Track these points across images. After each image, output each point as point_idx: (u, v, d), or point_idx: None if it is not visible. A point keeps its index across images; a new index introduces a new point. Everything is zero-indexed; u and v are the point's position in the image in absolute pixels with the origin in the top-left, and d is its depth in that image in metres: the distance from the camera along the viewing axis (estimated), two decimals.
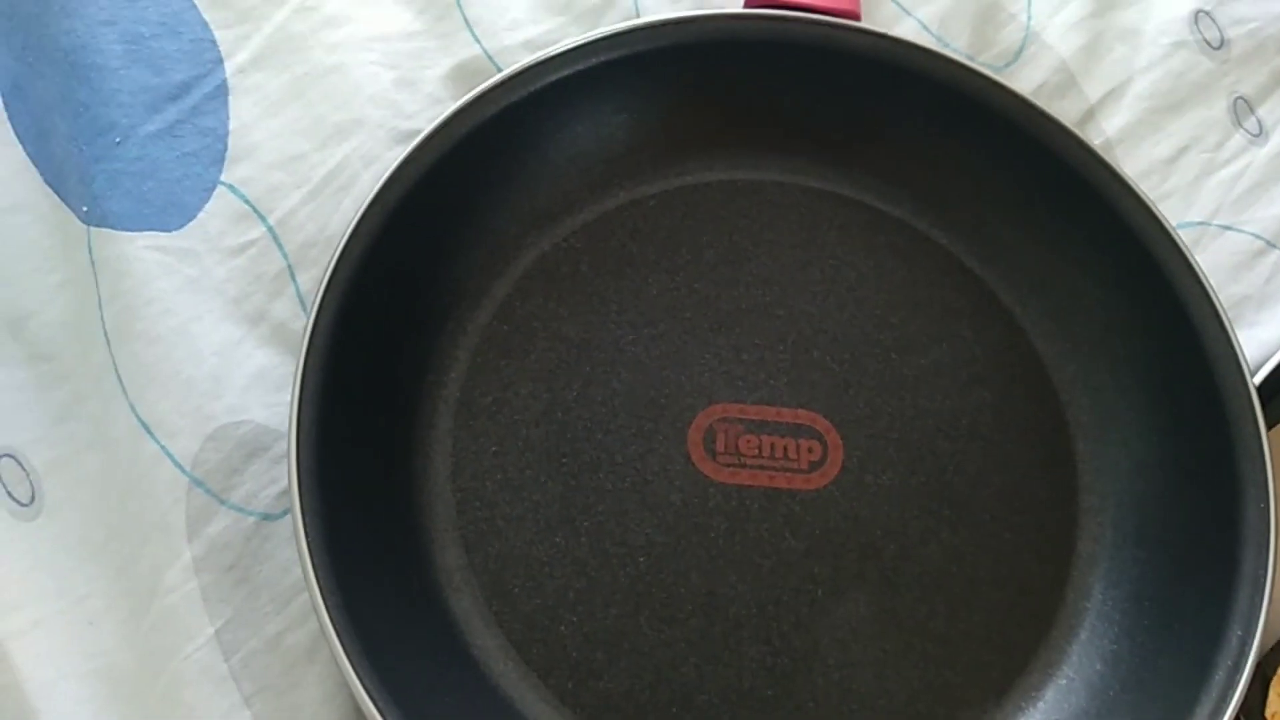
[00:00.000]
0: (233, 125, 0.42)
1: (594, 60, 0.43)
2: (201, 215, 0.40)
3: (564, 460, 0.40)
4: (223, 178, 0.41)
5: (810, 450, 0.41)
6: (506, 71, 0.41)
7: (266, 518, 0.38)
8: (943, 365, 0.43)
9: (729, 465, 0.40)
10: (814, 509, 0.40)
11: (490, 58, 0.44)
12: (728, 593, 0.39)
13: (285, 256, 0.41)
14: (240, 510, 0.37)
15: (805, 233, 0.44)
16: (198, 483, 0.37)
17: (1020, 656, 0.39)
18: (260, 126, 0.42)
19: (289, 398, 0.36)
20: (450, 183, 0.41)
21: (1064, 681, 0.38)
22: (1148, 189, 0.42)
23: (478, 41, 0.45)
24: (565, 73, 0.42)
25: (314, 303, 0.37)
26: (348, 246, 0.38)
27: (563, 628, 0.38)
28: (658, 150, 0.45)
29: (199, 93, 0.42)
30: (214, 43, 0.43)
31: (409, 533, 0.38)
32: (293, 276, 0.41)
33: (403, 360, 0.40)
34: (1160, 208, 0.41)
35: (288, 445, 0.35)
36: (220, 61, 0.43)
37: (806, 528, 0.40)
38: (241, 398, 0.38)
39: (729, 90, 0.45)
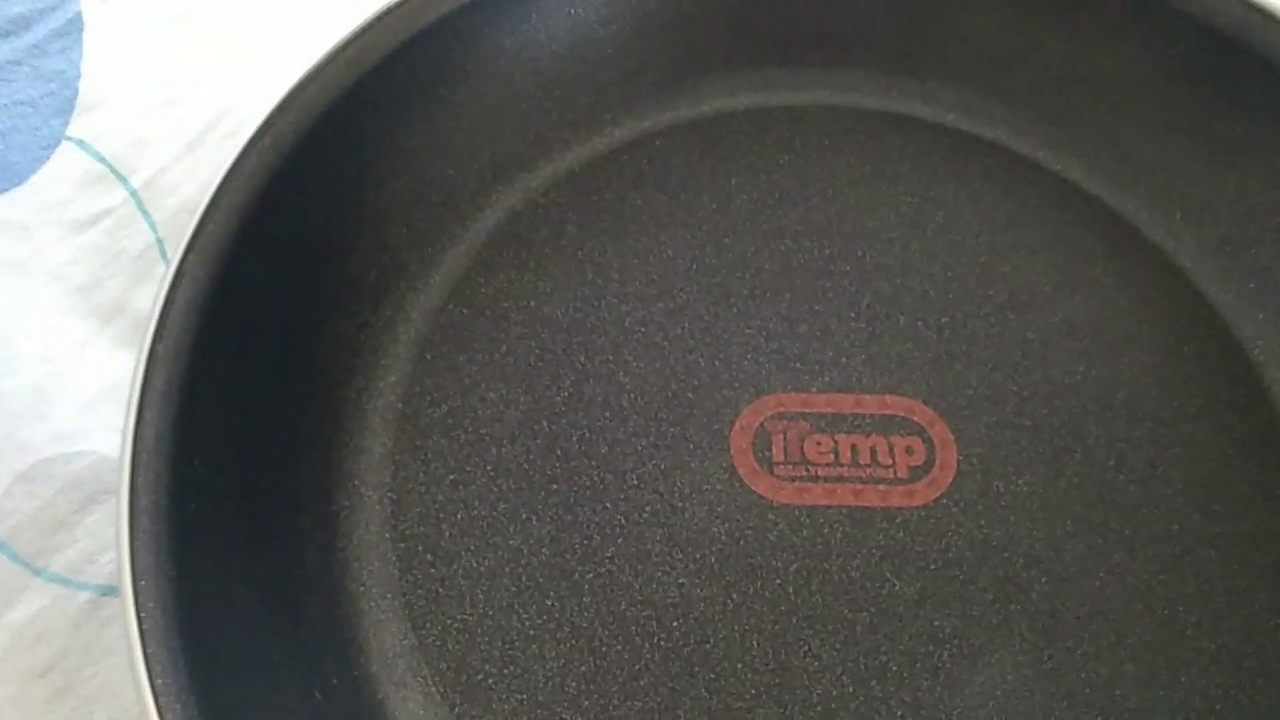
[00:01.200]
0: (86, 67, 0.31)
1: None
2: (36, 178, 0.29)
3: (554, 488, 0.28)
4: (70, 131, 0.30)
5: (910, 451, 0.28)
6: None
7: (108, 593, 0.25)
8: (1079, 324, 0.30)
9: (794, 479, 0.28)
10: (923, 534, 0.27)
11: None
12: (808, 666, 0.26)
13: (154, 228, 0.30)
14: (65, 583, 0.25)
15: (869, 166, 0.33)
16: None
17: None
18: (120, 68, 0.31)
19: None
20: (370, 120, 0.30)
21: None
22: None
23: None
24: None
25: (159, 293, 0.25)
26: (212, 212, 0.26)
27: None
28: (661, 72, 0.34)
29: (44, 28, 0.31)
30: None
31: (326, 606, 0.26)
32: (164, 254, 0.29)
33: (312, 363, 0.28)
34: None
35: (117, 495, 0.22)
36: None
37: (915, 562, 0.27)
38: (79, 420, 0.26)
39: None
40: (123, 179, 0.30)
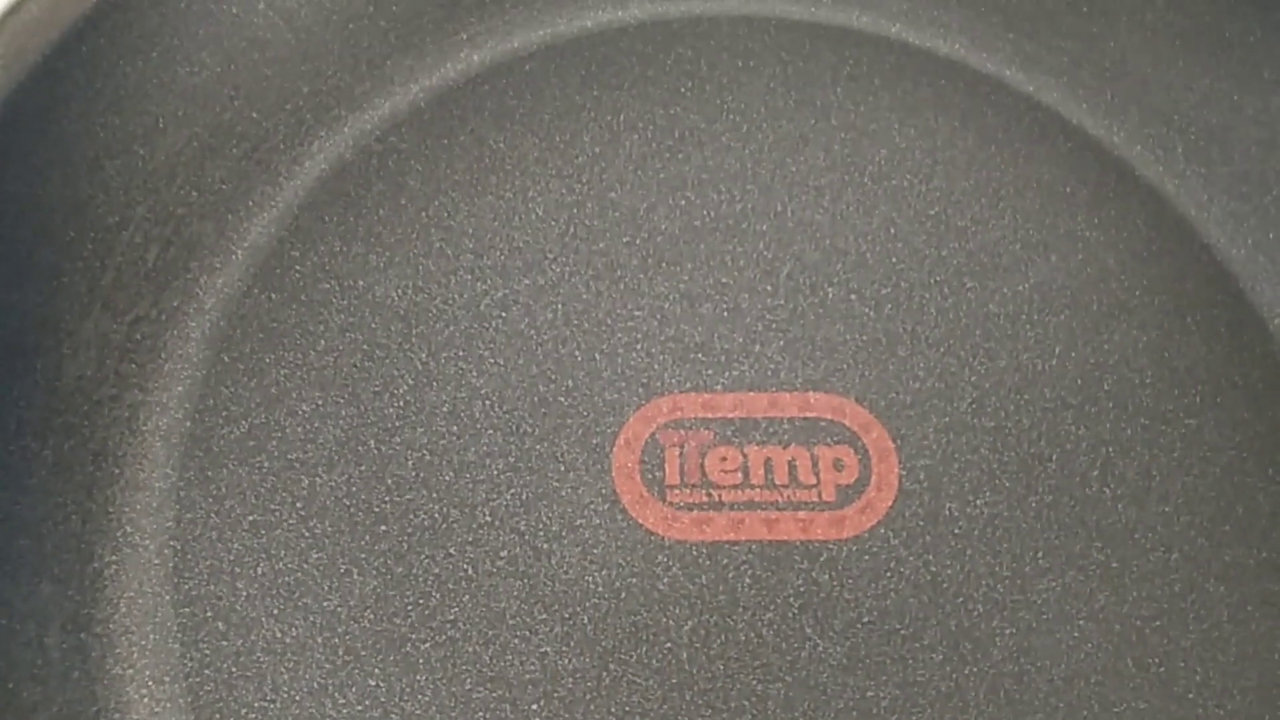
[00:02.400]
0: None
1: None
2: None
3: (383, 529, 0.22)
4: None
5: (839, 466, 0.23)
6: None
7: None
8: (1056, 291, 0.25)
9: (691, 507, 0.23)
10: (855, 576, 0.22)
11: None
12: None
13: None
14: None
15: (794, 93, 0.27)
16: None
17: None
18: None
19: None
20: (133, 45, 0.24)
21: None
22: None
23: None
24: None
25: None
26: None
27: None
28: None
29: None
30: None
31: (74, 706, 0.20)
32: None
33: (58, 373, 0.22)
34: None
35: None
36: None
37: (844, 614, 0.22)
38: None
39: None
40: None
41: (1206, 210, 0.26)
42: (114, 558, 0.22)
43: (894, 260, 0.25)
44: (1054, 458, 0.23)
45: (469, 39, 0.27)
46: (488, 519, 0.22)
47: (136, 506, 0.22)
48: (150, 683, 0.21)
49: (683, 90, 0.27)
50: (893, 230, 0.25)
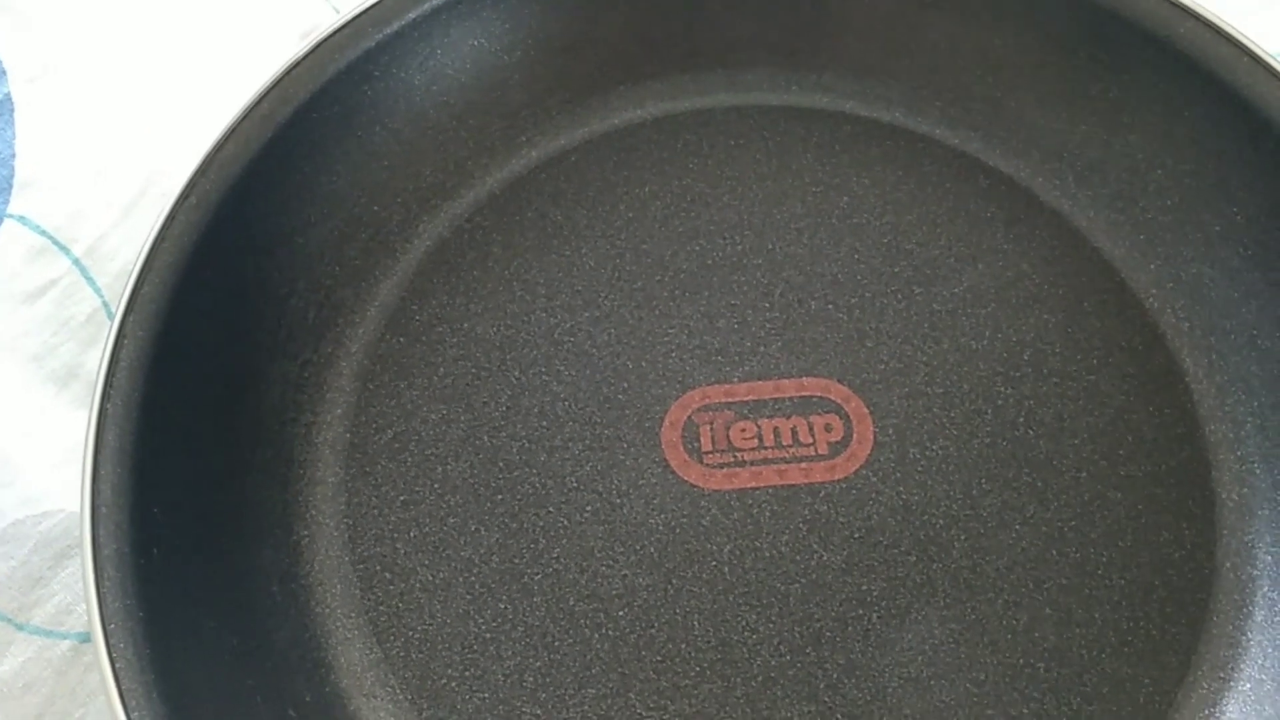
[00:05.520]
0: (20, 147, 0.32)
1: None
2: None
3: (499, 498, 0.30)
4: (10, 209, 0.32)
5: (829, 429, 0.30)
6: (345, 14, 0.32)
7: (87, 640, 0.27)
8: (984, 290, 0.32)
9: (722, 466, 0.30)
10: (846, 505, 0.29)
11: (336, 8, 0.35)
12: (748, 639, 0.28)
13: (99, 293, 0.31)
14: (47, 634, 0.27)
15: (775, 160, 0.34)
16: None
17: (1174, 661, 0.27)
18: (52, 143, 0.32)
19: None
20: (291, 169, 0.31)
21: (1247, 686, 0.27)
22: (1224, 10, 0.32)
23: None
24: (425, 7, 0.33)
25: (104, 355, 0.26)
26: (146, 273, 0.28)
27: None
28: (569, 91, 0.35)
29: None
30: None
31: (294, 630, 0.28)
32: (110, 316, 0.31)
33: (260, 404, 0.30)
34: (1244, 33, 0.31)
35: (81, 549, 0.24)
36: (3, 75, 0.33)
37: (840, 533, 0.29)
38: (45, 482, 0.28)
39: None
40: (64, 249, 0.31)
41: (1093, 223, 0.33)
42: (306, 532, 0.29)
43: (859, 277, 0.32)
44: (989, 411, 0.30)
45: (527, 140, 0.34)
46: (574, 485, 0.30)
47: (318, 495, 0.30)
48: (341, 617, 0.28)
49: (691, 165, 0.34)
50: (856, 255, 0.32)
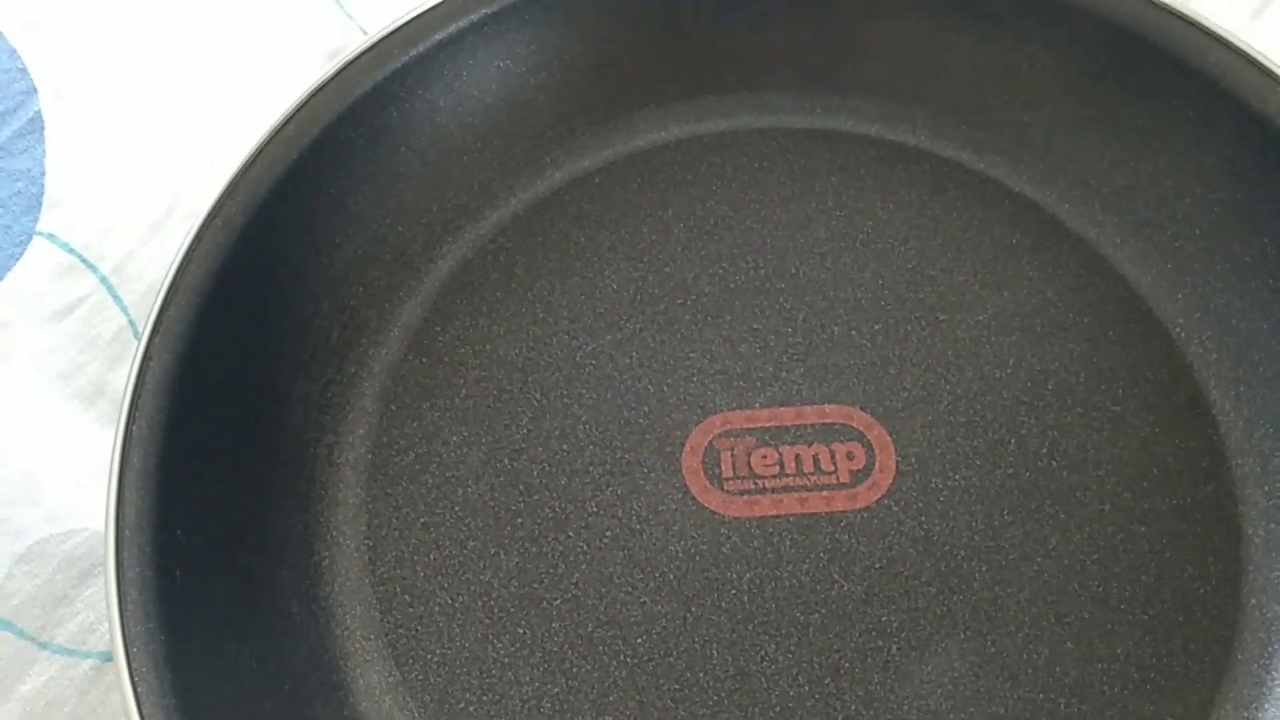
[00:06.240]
0: (50, 164, 0.33)
1: (487, 8, 0.33)
2: (11, 275, 0.31)
3: (519, 521, 0.30)
4: (40, 226, 0.32)
5: (850, 456, 0.30)
6: (372, 36, 0.32)
7: (110, 659, 0.27)
8: (1008, 318, 0.32)
9: (743, 493, 0.30)
10: (867, 535, 0.29)
11: (363, 29, 0.35)
12: (767, 669, 0.28)
13: (125, 311, 0.31)
14: (70, 653, 0.27)
15: (798, 184, 0.34)
16: (3, 624, 0.27)
17: (1197, 699, 0.27)
18: (81, 161, 0.33)
19: None
20: (316, 191, 0.31)
21: (1274, 713, 0.26)
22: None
23: (347, 14, 0.36)
24: (451, 29, 0.33)
25: (129, 377, 0.27)
26: (172, 295, 0.28)
27: None
28: (594, 113, 0.35)
29: (6, 130, 0.33)
30: (24, 71, 0.34)
31: (313, 653, 0.28)
32: (137, 335, 0.31)
33: (283, 424, 0.30)
34: (1277, 63, 0.30)
35: (105, 570, 0.24)
36: (33, 92, 0.34)
37: (861, 562, 0.29)
38: (70, 501, 0.28)
39: (671, 19, 0.35)
40: (92, 267, 0.32)
41: (1120, 250, 0.32)
42: (326, 553, 0.29)
43: (883, 303, 0.32)
44: (1013, 441, 0.30)
45: (552, 162, 0.34)
46: (594, 510, 0.30)
47: (339, 516, 0.30)
48: (360, 639, 0.28)
49: (714, 187, 0.34)
50: (880, 281, 0.32)
